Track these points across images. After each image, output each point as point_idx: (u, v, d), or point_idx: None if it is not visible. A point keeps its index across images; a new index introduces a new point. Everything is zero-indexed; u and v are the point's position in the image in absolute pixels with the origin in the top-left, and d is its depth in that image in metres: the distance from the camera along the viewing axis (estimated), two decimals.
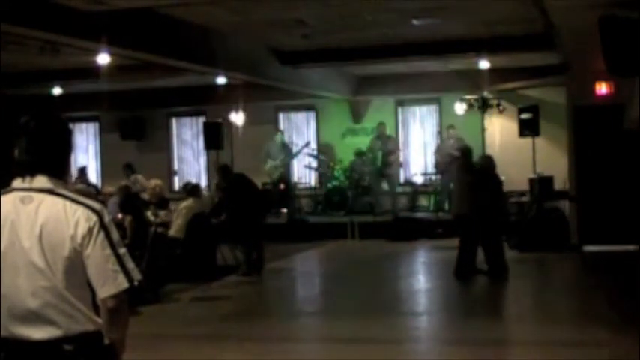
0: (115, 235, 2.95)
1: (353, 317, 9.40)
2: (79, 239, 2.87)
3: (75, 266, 2.89)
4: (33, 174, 2.95)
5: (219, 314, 9.71)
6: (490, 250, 11.22)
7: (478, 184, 11.14)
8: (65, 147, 3.07)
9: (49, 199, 2.91)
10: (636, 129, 10.49)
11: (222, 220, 12.33)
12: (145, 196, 14.00)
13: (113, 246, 2.92)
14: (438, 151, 17.43)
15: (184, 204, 11.87)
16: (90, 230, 2.89)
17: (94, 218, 2.91)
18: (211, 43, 12.42)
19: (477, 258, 11.24)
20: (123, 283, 2.92)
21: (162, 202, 12.26)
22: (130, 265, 2.96)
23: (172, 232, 11.33)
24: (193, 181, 16.76)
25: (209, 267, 11.83)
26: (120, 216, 10.99)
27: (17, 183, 2.97)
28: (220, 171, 12.80)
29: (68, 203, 2.91)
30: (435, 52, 14.55)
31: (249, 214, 11.98)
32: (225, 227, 12.30)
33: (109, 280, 2.90)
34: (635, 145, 11.64)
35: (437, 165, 17.35)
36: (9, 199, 2.94)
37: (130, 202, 11.40)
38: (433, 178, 18.10)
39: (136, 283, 2.98)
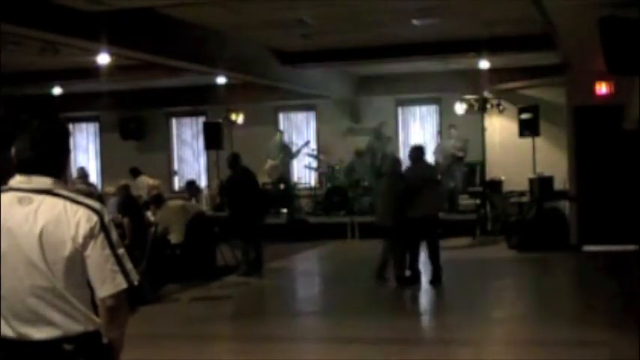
0: (115, 235, 2.95)
1: (353, 317, 9.40)
2: (80, 240, 2.87)
3: (75, 266, 2.89)
4: (32, 172, 2.94)
5: (219, 314, 9.71)
6: (415, 256, 10.85)
7: (406, 194, 10.62)
8: (65, 147, 3.07)
9: (49, 200, 2.91)
10: (636, 129, 10.50)
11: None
12: (144, 196, 14.03)
13: (112, 246, 2.92)
14: (440, 151, 17.35)
15: (157, 216, 11.51)
16: (91, 230, 2.89)
17: (95, 218, 2.91)
18: (211, 43, 12.43)
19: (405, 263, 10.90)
20: (122, 284, 2.92)
21: (161, 202, 12.27)
22: (129, 265, 2.96)
23: (173, 238, 11.29)
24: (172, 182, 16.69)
25: (209, 267, 11.82)
26: (120, 216, 11.00)
27: (16, 181, 2.96)
28: (230, 159, 12.60)
29: (68, 204, 2.91)
30: (435, 52, 14.56)
31: (249, 211, 11.94)
32: (225, 223, 12.32)
33: (107, 280, 2.90)
34: (635, 145, 11.64)
35: (437, 165, 17.28)
36: (7, 198, 2.93)
37: (130, 202, 11.39)
38: None
39: (135, 283, 2.98)
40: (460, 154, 17.00)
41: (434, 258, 10.83)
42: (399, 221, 10.56)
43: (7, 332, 2.89)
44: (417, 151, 11.29)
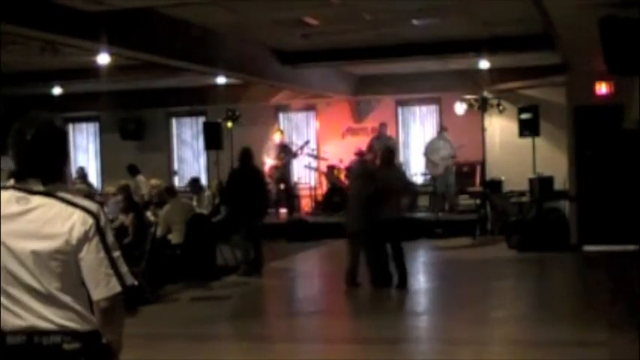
0: (110, 238, 2.94)
1: (353, 317, 9.40)
2: (74, 242, 2.86)
3: (70, 268, 2.88)
4: (27, 178, 2.93)
5: (218, 314, 9.71)
6: (386, 258, 10.70)
7: (376, 196, 10.44)
8: (61, 151, 3.02)
9: (45, 202, 2.90)
10: (636, 129, 10.49)
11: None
12: (145, 196, 14.02)
13: (107, 249, 2.91)
14: (433, 152, 17.20)
15: (164, 210, 11.59)
16: (86, 233, 2.87)
17: (90, 221, 2.89)
18: (211, 43, 12.42)
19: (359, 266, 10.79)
20: (116, 287, 2.91)
21: (162, 202, 12.28)
22: (124, 269, 2.95)
23: (173, 239, 11.29)
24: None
25: (209, 267, 11.82)
26: (120, 216, 11.01)
27: (14, 181, 2.96)
28: (241, 153, 12.42)
29: (64, 206, 2.89)
30: (435, 52, 14.55)
31: (246, 209, 11.90)
32: (219, 226, 12.33)
33: (101, 283, 2.89)
34: (635, 145, 11.63)
35: (435, 167, 17.16)
36: (6, 196, 2.93)
37: (132, 201, 11.40)
38: (428, 178, 18.12)
39: (135, 283, 2.97)
40: (453, 152, 17.02)
41: (399, 261, 10.72)
42: (370, 224, 10.46)
43: (15, 321, 2.88)
44: (389, 155, 11.29)
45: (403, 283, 10.69)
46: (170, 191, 12.22)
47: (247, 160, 12.23)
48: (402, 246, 10.78)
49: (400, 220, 10.93)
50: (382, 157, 11.38)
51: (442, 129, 17.57)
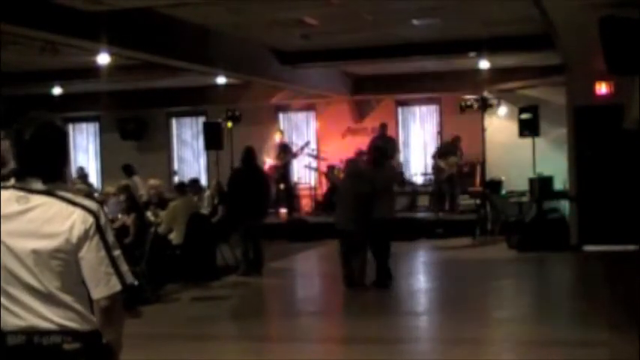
0: (110, 236, 2.94)
1: (353, 317, 9.40)
2: (74, 240, 2.86)
3: (70, 267, 2.88)
4: (26, 177, 2.93)
5: (218, 314, 9.71)
6: (377, 259, 10.71)
7: (369, 196, 10.39)
8: (60, 151, 3.03)
9: (45, 201, 2.90)
10: (636, 129, 10.49)
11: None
12: (144, 196, 14.01)
13: (108, 248, 2.91)
14: (442, 158, 17.11)
15: (171, 205, 11.68)
16: (86, 232, 2.87)
17: (90, 220, 2.89)
18: (211, 43, 12.43)
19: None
20: (116, 286, 2.92)
21: (162, 202, 12.28)
22: (124, 267, 2.95)
23: (174, 239, 11.28)
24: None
25: (209, 267, 11.82)
26: (119, 215, 11.00)
27: (14, 181, 2.96)
28: (244, 152, 12.38)
29: (64, 205, 2.90)
30: (435, 52, 14.55)
31: (245, 209, 11.88)
32: (223, 220, 12.33)
33: (102, 282, 2.90)
34: (635, 145, 11.63)
35: (439, 171, 17.08)
36: (6, 195, 2.93)
37: (134, 201, 11.41)
38: (428, 178, 18.13)
39: (135, 283, 2.97)
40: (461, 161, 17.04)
41: (384, 261, 10.71)
42: (359, 224, 10.41)
43: (15, 321, 2.88)
44: (377, 154, 11.25)
45: (382, 282, 10.66)
46: (180, 188, 12.23)
47: (250, 159, 12.23)
48: (389, 246, 10.76)
49: (390, 220, 10.91)
50: (370, 158, 11.36)
51: (456, 138, 17.38)
